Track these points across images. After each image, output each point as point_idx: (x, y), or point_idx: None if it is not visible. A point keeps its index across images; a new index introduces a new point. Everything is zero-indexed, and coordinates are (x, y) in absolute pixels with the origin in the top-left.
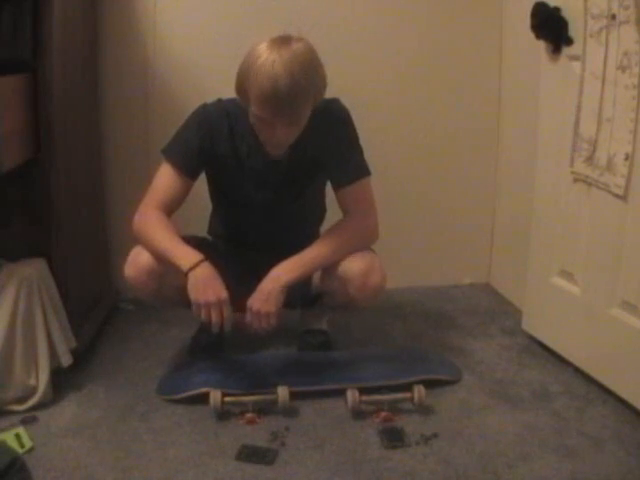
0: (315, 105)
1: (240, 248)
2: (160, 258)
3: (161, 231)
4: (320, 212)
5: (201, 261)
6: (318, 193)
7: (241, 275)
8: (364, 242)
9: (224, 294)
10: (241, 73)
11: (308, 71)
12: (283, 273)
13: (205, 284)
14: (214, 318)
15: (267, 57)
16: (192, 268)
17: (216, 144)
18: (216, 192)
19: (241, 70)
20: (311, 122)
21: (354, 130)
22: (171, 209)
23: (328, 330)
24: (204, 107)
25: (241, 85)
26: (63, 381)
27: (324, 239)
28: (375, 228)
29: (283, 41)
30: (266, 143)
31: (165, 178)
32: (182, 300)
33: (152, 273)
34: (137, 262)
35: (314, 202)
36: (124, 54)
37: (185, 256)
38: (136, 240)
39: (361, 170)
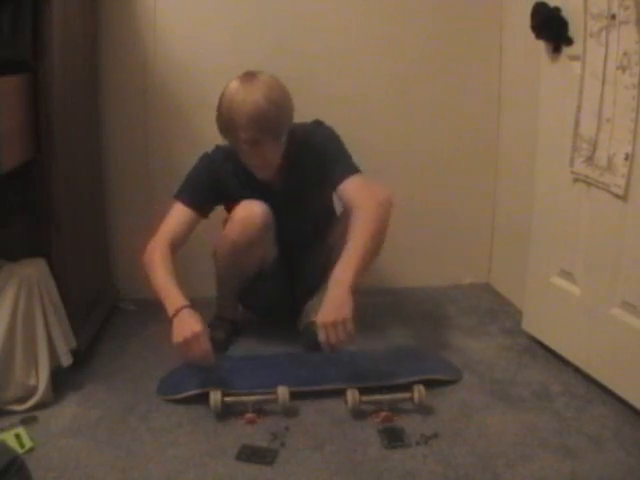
0: (292, 128)
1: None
2: (155, 294)
3: (160, 270)
4: (329, 218)
5: (183, 307)
6: (327, 206)
7: (282, 288)
8: (385, 216)
9: (198, 327)
10: (223, 113)
11: (278, 91)
12: (343, 274)
13: (182, 325)
14: (194, 352)
15: (243, 91)
16: (175, 314)
17: (224, 184)
18: None
19: (221, 111)
20: (298, 150)
21: (340, 141)
22: (179, 243)
23: None
24: (206, 155)
25: (225, 123)
26: (63, 381)
27: (356, 233)
28: (386, 198)
29: (250, 76)
30: (255, 168)
31: (174, 213)
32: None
33: (266, 224)
34: (252, 207)
35: (325, 215)
36: (124, 54)
37: (172, 302)
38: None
39: (353, 167)
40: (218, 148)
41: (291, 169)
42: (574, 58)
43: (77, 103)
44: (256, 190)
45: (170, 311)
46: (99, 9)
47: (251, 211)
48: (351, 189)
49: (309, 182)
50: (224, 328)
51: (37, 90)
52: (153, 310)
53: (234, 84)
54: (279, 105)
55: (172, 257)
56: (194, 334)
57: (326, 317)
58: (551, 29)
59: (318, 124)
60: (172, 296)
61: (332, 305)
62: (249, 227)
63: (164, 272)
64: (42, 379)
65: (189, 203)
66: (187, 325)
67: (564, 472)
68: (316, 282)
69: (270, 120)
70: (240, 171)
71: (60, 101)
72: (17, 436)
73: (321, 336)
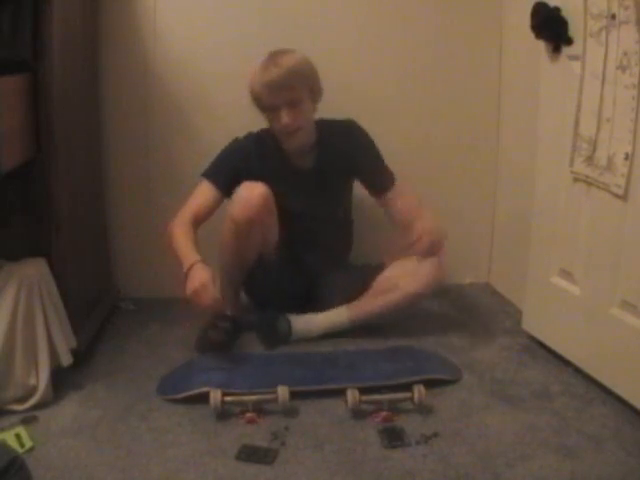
0: (326, 119)
1: (288, 254)
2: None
3: (180, 238)
4: (350, 223)
5: (195, 262)
6: (348, 200)
7: (291, 278)
8: None
9: (206, 277)
10: (250, 87)
11: (297, 61)
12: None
13: (192, 278)
14: (202, 301)
15: (263, 64)
16: (189, 269)
17: (249, 164)
18: None
19: (249, 86)
20: (331, 136)
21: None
22: (201, 219)
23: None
24: (236, 139)
25: (252, 94)
26: (63, 381)
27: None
28: None
29: (278, 50)
30: (282, 136)
31: (200, 190)
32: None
33: (266, 206)
34: (254, 188)
35: (346, 209)
36: (124, 54)
37: (186, 259)
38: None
39: (393, 175)
40: (249, 133)
41: (322, 154)
42: (574, 58)
43: (77, 103)
44: (283, 173)
45: (185, 267)
46: (99, 9)
47: (252, 191)
48: (404, 200)
49: (339, 168)
50: (225, 328)
51: (37, 90)
52: (153, 310)
53: (262, 58)
54: (292, 70)
55: (193, 231)
56: (202, 284)
57: (425, 228)
58: (551, 29)
59: (353, 121)
60: (186, 254)
61: (433, 222)
62: (249, 206)
63: (183, 238)
64: (42, 379)
65: (214, 181)
66: (196, 277)
67: (564, 472)
68: (326, 289)
69: (279, 83)
70: (269, 154)
71: (60, 101)
72: (17, 436)
73: (417, 234)
